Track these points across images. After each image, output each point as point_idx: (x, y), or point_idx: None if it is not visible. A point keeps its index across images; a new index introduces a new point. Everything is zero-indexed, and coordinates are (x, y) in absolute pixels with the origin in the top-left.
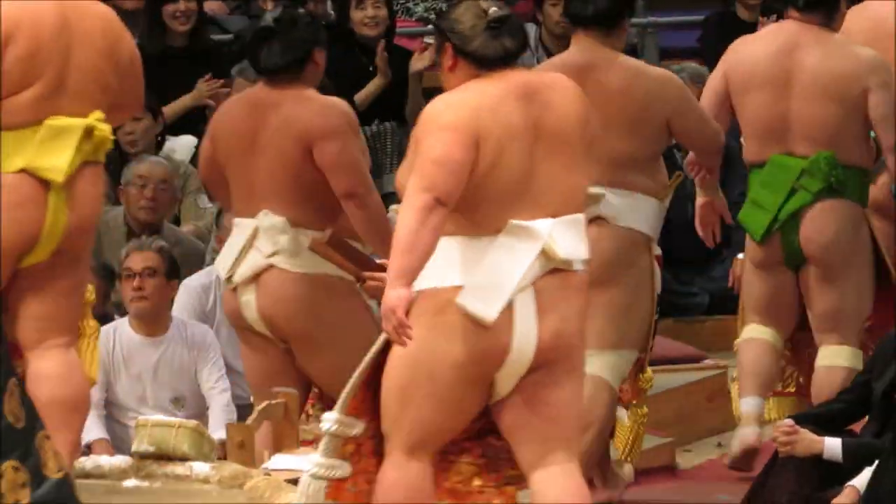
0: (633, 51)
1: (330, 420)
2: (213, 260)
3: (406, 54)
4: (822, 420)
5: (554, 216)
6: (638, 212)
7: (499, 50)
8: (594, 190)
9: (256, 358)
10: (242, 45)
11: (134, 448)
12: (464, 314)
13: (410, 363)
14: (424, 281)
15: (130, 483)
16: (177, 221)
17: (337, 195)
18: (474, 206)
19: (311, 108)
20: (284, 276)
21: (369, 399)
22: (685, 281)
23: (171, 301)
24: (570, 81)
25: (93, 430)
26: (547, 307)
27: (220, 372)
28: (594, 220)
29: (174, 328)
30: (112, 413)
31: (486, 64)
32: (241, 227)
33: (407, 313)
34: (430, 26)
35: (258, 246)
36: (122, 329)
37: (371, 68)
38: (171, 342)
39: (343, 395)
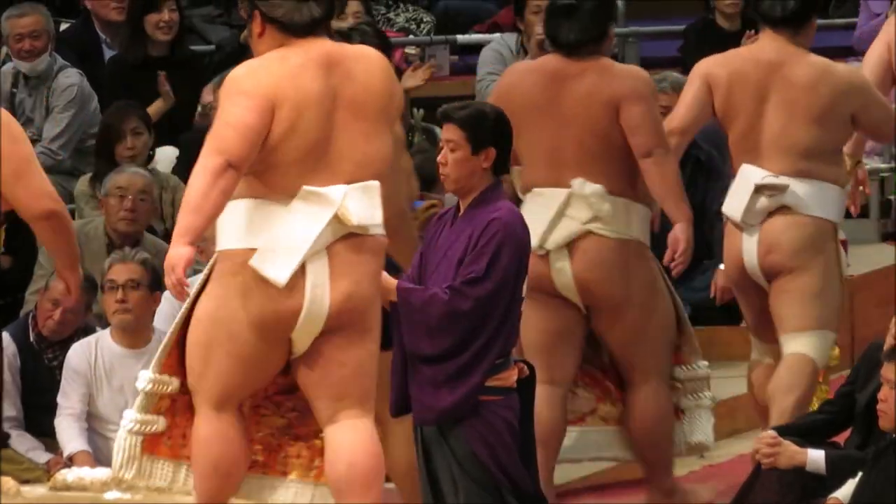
0: (614, 59)
1: (144, 379)
2: (194, 271)
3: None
4: (805, 431)
5: (349, 182)
6: (823, 200)
7: (305, 17)
8: (779, 180)
9: (550, 320)
10: (224, 55)
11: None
12: (259, 276)
13: (210, 322)
14: (223, 241)
15: (112, 495)
16: (166, 235)
17: (637, 155)
18: (271, 171)
19: (616, 74)
20: (602, 242)
21: (182, 357)
22: None
23: (154, 313)
24: (378, 54)
25: (74, 442)
26: (340, 271)
27: None
28: (780, 210)
29: (157, 340)
30: (94, 425)
31: (293, 30)
32: (546, 197)
33: (210, 273)
34: (410, 36)
35: (571, 213)
36: (103, 341)
37: None
38: (153, 354)
39: (157, 353)
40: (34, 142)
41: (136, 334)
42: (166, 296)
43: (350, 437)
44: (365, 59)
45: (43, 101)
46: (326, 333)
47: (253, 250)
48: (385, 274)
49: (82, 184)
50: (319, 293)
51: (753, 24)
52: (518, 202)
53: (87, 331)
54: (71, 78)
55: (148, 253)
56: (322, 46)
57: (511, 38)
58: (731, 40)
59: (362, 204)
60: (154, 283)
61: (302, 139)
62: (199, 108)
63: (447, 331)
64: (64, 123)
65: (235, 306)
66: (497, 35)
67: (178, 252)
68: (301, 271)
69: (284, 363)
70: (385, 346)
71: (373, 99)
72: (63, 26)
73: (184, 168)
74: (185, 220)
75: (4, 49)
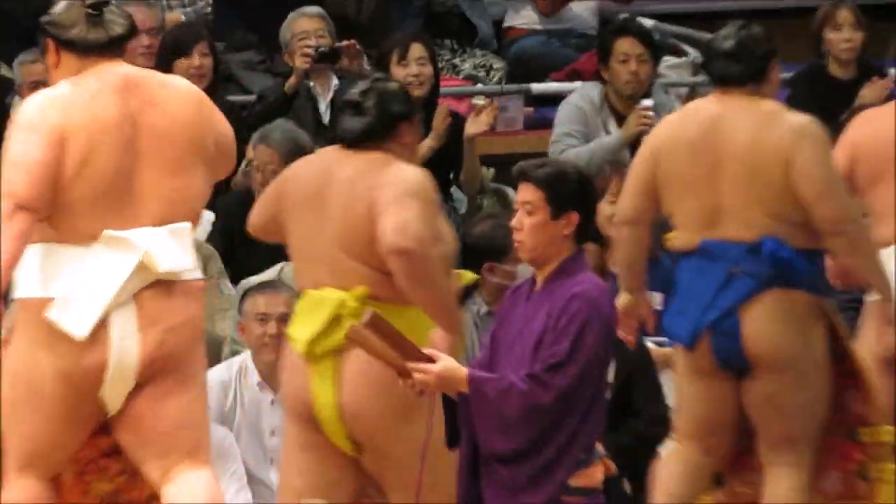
0: None
1: None
2: (232, 352)
3: (458, 119)
4: None
5: (157, 224)
6: None
7: (100, 35)
8: None
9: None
10: (266, 106)
11: None
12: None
13: (14, 377)
14: (20, 289)
15: None
16: None
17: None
18: (66, 211)
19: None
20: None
21: None
22: None
23: None
24: (187, 83)
25: None
26: (149, 320)
27: (241, 482)
28: None
29: None
30: None
31: (87, 50)
32: None
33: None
34: (478, 85)
35: None
36: None
37: None
38: None
39: None
40: None
41: None
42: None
43: (187, 490)
44: (171, 85)
45: None
46: (140, 387)
47: (50, 299)
48: (453, 362)
49: None
50: (127, 345)
51: (871, 71)
52: (604, 274)
53: None
54: None
55: None
56: (123, 70)
57: (594, 90)
58: (844, 89)
59: (171, 248)
60: None
61: (97, 174)
62: (242, 166)
63: (527, 425)
64: None
65: (37, 359)
66: (577, 84)
67: None
68: (104, 324)
69: (98, 423)
70: (451, 444)
71: (180, 129)
72: None
73: (221, 236)
74: None
75: (18, 99)
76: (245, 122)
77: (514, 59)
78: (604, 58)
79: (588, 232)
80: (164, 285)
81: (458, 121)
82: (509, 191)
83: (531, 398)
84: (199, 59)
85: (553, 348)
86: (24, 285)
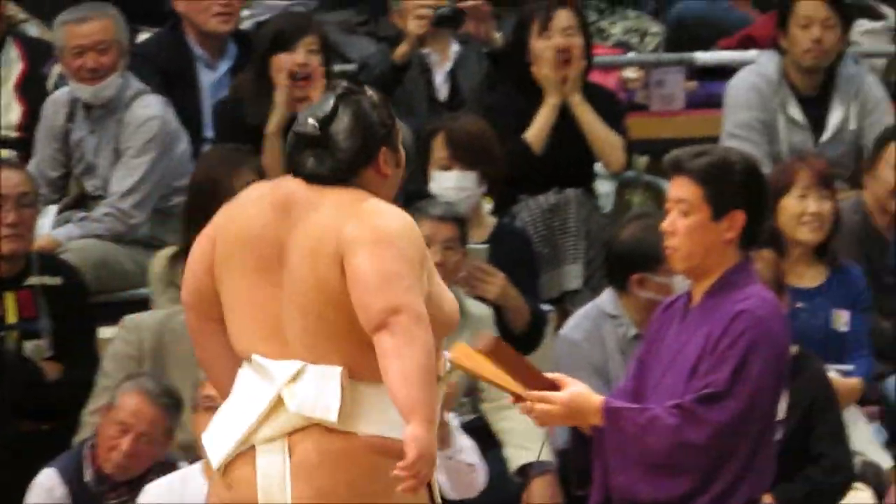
0: None
1: None
2: None
3: (604, 96)
4: None
5: (310, 360)
6: None
7: (297, 165)
8: None
9: None
10: (370, 76)
11: None
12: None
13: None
14: None
15: None
16: None
17: None
18: (229, 321)
19: None
20: None
21: None
22: None
23: None
24: (351, 201)
25: None
26: (301, 472)
27: None
28: None
29: None
30: None
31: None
32: None
33: None
34: (631, 54)
35: None
36: (193, 482)
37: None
38: None
39: None
40: (97, 197)
41: None
42: None
43: None
44: (328, 204)
45: (110, 141)
46: None
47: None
48: (585, 388)
49: (160, 262)
50: (274, 492)
51: None
52: (779, 288)
53: (166, 467)
54: (151, 108)
55: None
56: (295, 186)
57: (770, 62)
58: None
59: (313, 388)
60: None
61: (233, 284)
62: None
63: (675, 470)
64: (140, 173)
65: (211, 494)
66: (751, 54)
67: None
68: (250, 461)
69: None
70: (582, 486)
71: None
72: (142, 37)
73: None
74: None
75: (57, 67)
76: None
77: (674, 21)
78: (782, 22)
79: (757, 235)
80: (330, 434)
81: (607, 98)
82: (665, 184)
83: (680, 435)
84: (304, 55)
85: (710, 377)
86: None
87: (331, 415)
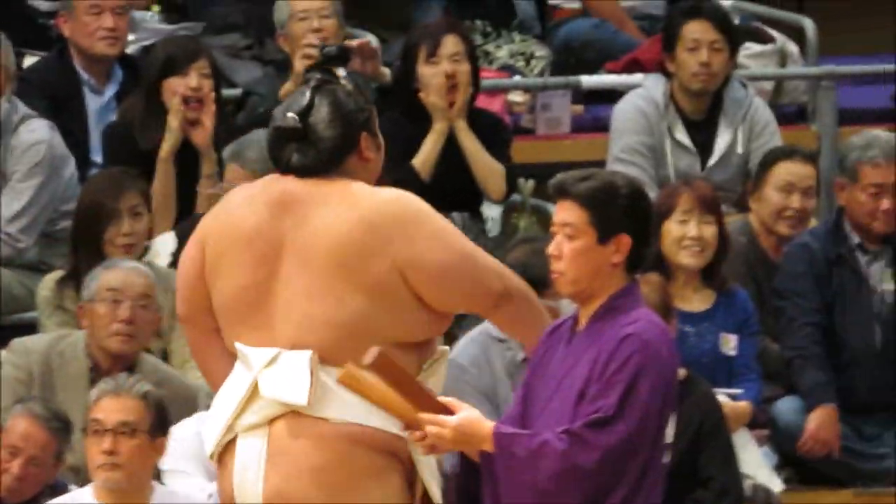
0: (800, 112)
1: None
2: (206, 406)
3: (490, 122)
4: None
5: (290, 346)
6: None
7: (279, 160)
8: None
9: None
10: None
11: None
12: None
13: None
14: None
15: None
16: (165, 356)
17: None
18: (219, 319)
19: None
20: None
21: None
22: (870, 437)
23: (154, 467)
24: (358, 201)
25: None
26: (275, 457)
27: None
28: None
29: (158, 499)
30: None
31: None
32: None
33: None
34: (516, 78)
35: None
36: None
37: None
38: None
39: None
40: None
41: (129, 496)
42: (177, 437)
43: None
44: (335, 202)
45: None
46: None
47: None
48: (476, 413)
49: (48, 285)
50: (250, 483)
51: None
52: (666, 312)
53: (57, 490)
54: (37, 132)
55: (149, 382)
56: (289, 185)
57: (657, 86)
58: None
59: (285, 374)
60: (157, 425)
61: (228, 281)
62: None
63: (564, 495)
64: (27, 197)
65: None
66: (637, 77)
67: None
68: (231, 449)
69: None
70: None
71: (324, 252)
72: (28, 61)
73: None
74: None
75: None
76: (231, 128)
77: (560, 45)
78: (669, 45)
79: (642, 259)
80: (302, 419)
81: (493, 124)
82: (551, 208)
83: (570, 460)
84: (196, 78)
85: (599, 401)
86: None
87: (300, 398)
